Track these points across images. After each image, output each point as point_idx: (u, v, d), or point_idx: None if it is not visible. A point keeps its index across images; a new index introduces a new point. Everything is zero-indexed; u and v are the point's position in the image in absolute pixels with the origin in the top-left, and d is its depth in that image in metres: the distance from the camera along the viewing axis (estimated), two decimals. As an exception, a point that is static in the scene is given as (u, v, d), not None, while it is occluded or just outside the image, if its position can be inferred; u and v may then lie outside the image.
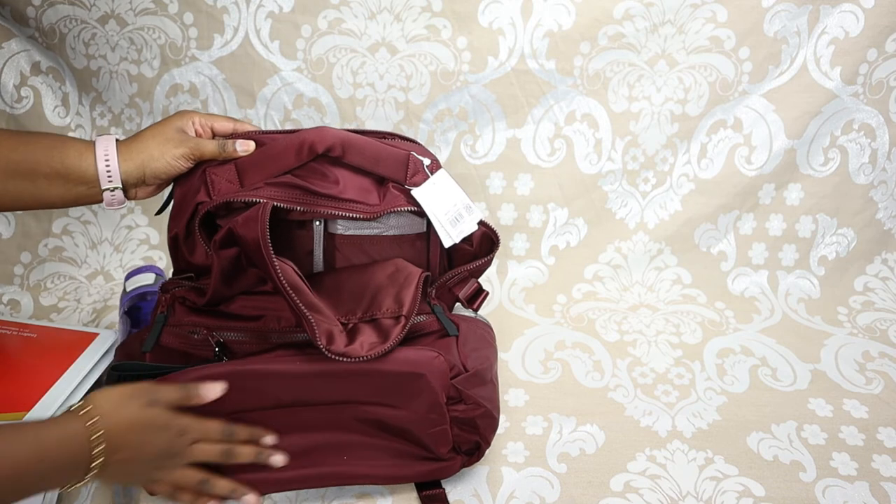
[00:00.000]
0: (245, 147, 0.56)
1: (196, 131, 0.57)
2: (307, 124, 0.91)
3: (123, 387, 0.48)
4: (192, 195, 0.56)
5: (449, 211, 0.58)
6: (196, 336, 0.56)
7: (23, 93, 0.84)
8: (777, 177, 0.95)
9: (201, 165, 0.57)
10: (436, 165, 0.59)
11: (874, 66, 0.89)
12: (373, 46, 0.87)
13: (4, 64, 0.83)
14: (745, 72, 0.89)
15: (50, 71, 0.86)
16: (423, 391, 0.54)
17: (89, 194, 0.54)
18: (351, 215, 0.56)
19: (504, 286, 0.95)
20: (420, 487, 0.60)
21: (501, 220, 0.97)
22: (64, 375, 0.64)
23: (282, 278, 0.50)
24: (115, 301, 0.89)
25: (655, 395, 0.75)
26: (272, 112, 0.91)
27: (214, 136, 0.58)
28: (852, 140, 0.93)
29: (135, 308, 0.72)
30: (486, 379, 0.58)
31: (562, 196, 0.96)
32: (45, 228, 0.91)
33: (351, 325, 0.55)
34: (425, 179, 0.58)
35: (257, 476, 0.55)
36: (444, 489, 0.60)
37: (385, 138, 0.60)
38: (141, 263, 0.94)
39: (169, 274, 0.64)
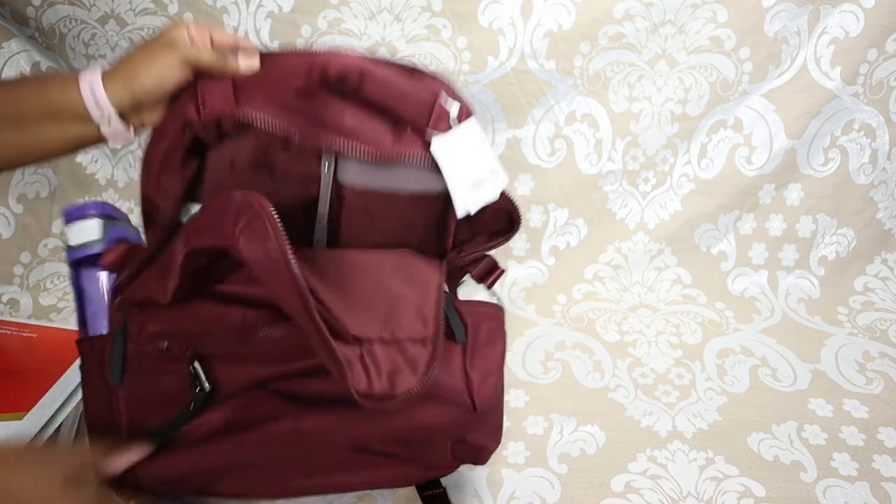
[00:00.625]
0: (249, 62, 0.47)
1: (192, 39, 0.48)
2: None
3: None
4: (177, 112, 0.46)
5: (470, 172, 0.48)
6: (163, 352, 0.46)
7: (23, 93, 0.84)
8: (777, 177, 0.95)
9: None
10: (465, 113, 0.49)
11: (874, 66, 0.89)
12: (373, 46, 0.87)
13: (4, 64, 0.82)
14: (746, 72, 0.89)
15: (50, 71, 0.86)
16: (431, 444, 0.51)
17: (88, 133, 0.47)
18: (359, 152, 0.46)
19: (504, 286, 0.95)
20: (420, 488, 0.60)
21: (501, 220, 0.97)
22: (64, 375, 0.64)
23: (320, 325, 0.39)
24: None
25: (656, 396, 0.75)
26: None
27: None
28: (852, 140, 0.93)
29: (83, 276, 0.55)
30: (494, 408, 0.53)
31: (562, 196, 0.96)
32: (45, 228, 0.91)
33: (368, 347, 0.45)
34: (449, 129, 0.48)
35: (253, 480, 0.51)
36: (444, 488, 0.60)
37: (413, 73, 0.50)
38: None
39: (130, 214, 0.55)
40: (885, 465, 0.66)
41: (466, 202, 0.49)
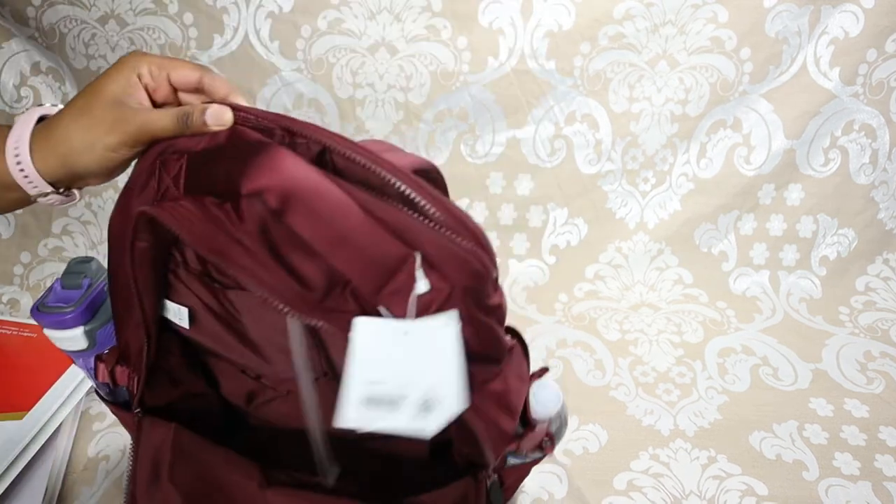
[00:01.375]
0: (219, 119, 0.37)
1: (147, 88, 0.39)
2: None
3: None
4: (136, 192, 0.38)
5: (378, 382, 0.32)
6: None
7: (23, 93, 0.84)
8: (777, 177, 0.95)
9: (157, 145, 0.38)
10: (433, 300, 0.32)
11: (874, 66, 0.89)
12: (373, 46, 0.87)
13: (4, 64, 0.82)
14: (746, 72, 0.89)
15: (50, 71, 0.86)
16: None
17: (27, 198, 0.39)
18: (267, 295, 0.32)
19: (505, 286, 0.95)
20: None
21: (501, 221, 0.97)
22: (64, 375, 0.64)
23: None
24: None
25: (657, 394, 0.74)
26: (272, 112, 0.91)
27: (176, 91, 0.41)
28: (853, 140, 0.93)
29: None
30: None
31: (561, 196, 0.96)
32: (45, 228, 0.91)
33: None
34: (402, 313, 0.32)
35: None
36: None
37: (414, 205, 0.33)
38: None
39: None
40: (887, 464, 0.65)
41: (356, 415, 0.33)
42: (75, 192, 0.41)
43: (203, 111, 0.37)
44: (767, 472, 0.64)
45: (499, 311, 0.35)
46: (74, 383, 0.64)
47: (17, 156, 0.37)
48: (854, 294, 0.96)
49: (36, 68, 0.85)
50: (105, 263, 0.43)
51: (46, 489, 0.56)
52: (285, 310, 0.32)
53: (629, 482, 0.62)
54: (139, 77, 0.39)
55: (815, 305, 0.93)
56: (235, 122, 0.37)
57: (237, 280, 0.39)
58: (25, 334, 0.71)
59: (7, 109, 0.84)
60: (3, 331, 0.71)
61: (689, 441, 0.67)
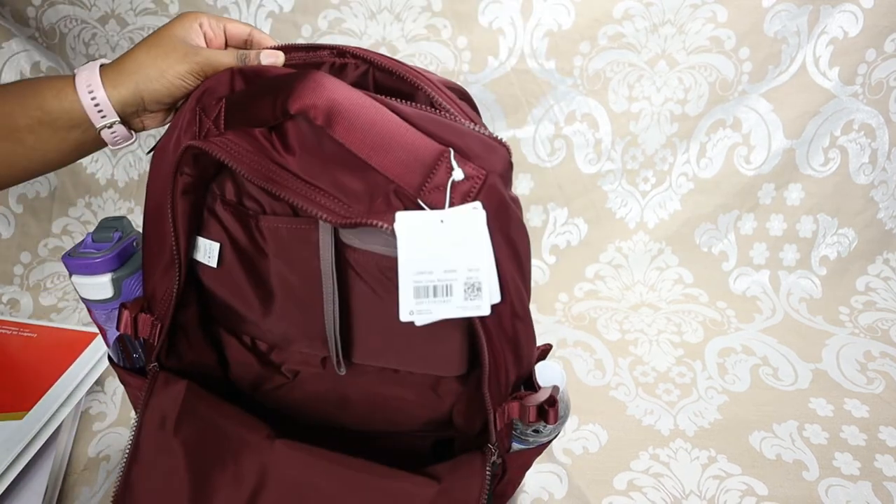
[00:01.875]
0: (273, 58, 0.42)
1: (206, 37, 0.44)
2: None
3: None
4: (177, 136, 0.40)
5: (425, 272, 0.34)
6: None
7: (23, 93, 0.84)
8: (776, 177, 0.95)
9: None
10: (472, 187, 0.35)
11: (873, 66, 0.89)
12: (373, 46, 0.87)
13: (4, 64, 0.82)
14: (745, 72, 0.90)
15: (50, 71, 0.86)
16: None
17: (87, 139, 0.43)
18: (315, 211, 0.35)
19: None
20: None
21: (502, 221, 0.97)
22: (64, 375, 0.64)
23: None
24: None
25: (657, 394, 0.74)
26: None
27: (228, 44, 0.46)
28: (852, 140, 0.93)
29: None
30: None
31: (561, 195, 0.96)
32: (45, 228, 0.91)
33: None
34: (442, 204, 0.34)
35: None
36: None
37: (440, 111, 0.38)
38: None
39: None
40: (887, 464, 0.65)
41: (405, 307, 0.35)
42: (134, 133, 0.44)
43: (258, 53, 0.42)
44: (767, 472, 0.64)
45: (518, 203, 0.39)
46: (74, 383, 0.64)
47: (89, 85, 0.41)
48: (854, 294, 0.96)
49: (36, 68, 0.85)
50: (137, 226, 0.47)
51: (46, 489, 0.56)
52: (335, 221, 0.35)
53: (629, 482, 0.62)
54: (200, 26, 0.44)
55: (816, 305, 0.93)
56: (286, 64, 0.42)
57: (271, 205, 0.42)
58: (25, 334, 0.71)
59: (7, 109, 0.84)
60: (3, 331, 0.71)
61: (689, 441, 0.67)
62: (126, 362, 0.50)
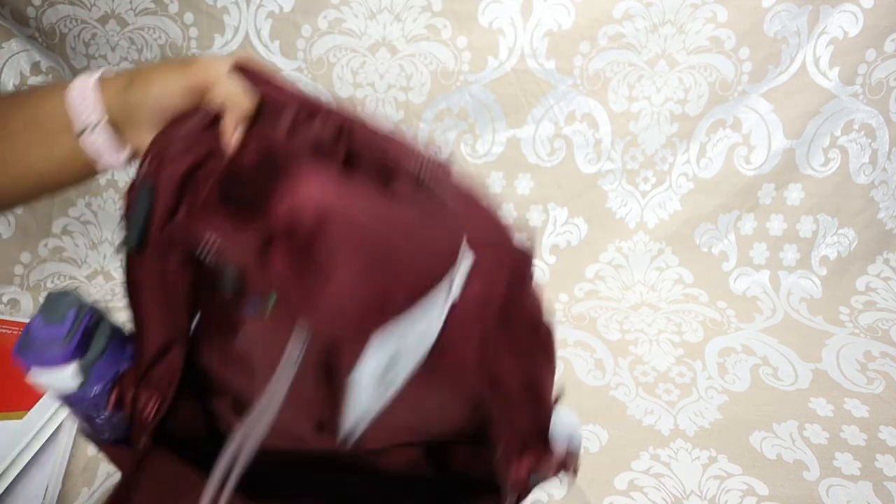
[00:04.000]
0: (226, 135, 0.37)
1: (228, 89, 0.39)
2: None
3: None
4: (188, 142, 0.36)
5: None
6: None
7: (23, 93, 0.84)
8: (776, 177, 0.95)
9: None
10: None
11: (873, 66, 0.89)
12: (373, 46, 0.87)
13: (4, 64, 0.82)
14: (745, 72, 0.90)
15: (50, 71, 0.86)
16: None
17: (76, 149, 0.38)
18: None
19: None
20: None
21: (502, 220, 0.97)
22: (63, 375, 0.64)
23: None
24: (117, 304, 0.89)
25: (657, 394, 0.74)
26: (272, 112, 0.91)
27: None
28: (852, 140, 0.93)
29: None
30: None
31: (561, 195, 0.96)
32: (45, 228, 0.91)
33: None
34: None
35: None
36: None
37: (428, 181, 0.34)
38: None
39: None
40: (887, 464, 0.65)
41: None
42: (121, 155, 0.39)
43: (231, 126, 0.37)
44: (768, 472, 0.64)
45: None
46: (74, 383, 0.64)
47: (82, 83, 0.37)
48: (854, 294, 0.96)
49: (36, 68, 0.85)
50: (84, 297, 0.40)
51: (46, 489, 0.56)
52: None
53: (630, 482, 0.62)
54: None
55: (816, 305, 0.93)
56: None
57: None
58: (25, 334, 0.71)
59: (7, 109, 0.84)
60: (4, 330, 0.71)
61: (689, 441, 0.67)
62: (100, 433, 0.43)
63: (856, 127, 0.92)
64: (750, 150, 0.94)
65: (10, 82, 0.83)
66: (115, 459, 0.44)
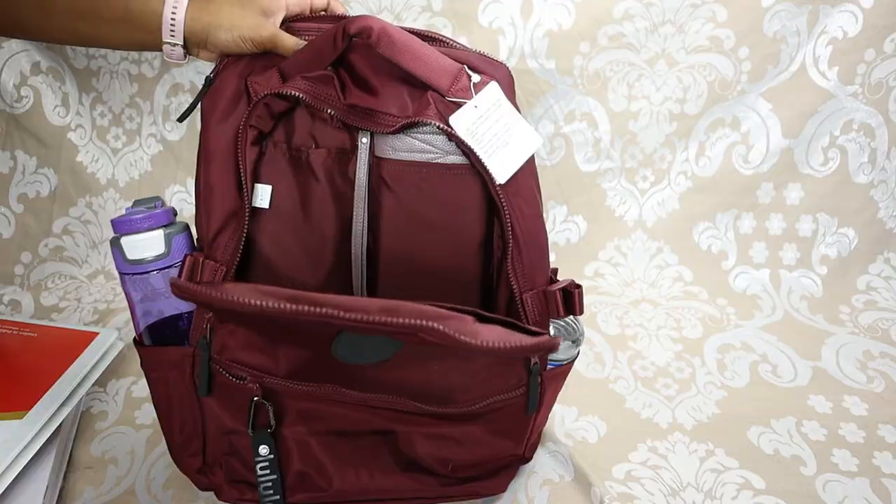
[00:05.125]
0: (342, 9, 0.53)
1: (289, 9, 0.51)
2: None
3: None
4: (229, 103, 0.48)
5: (494, 137, 0.47)
6: (245, 385, 0.49)
7: (23, 92, 0.84)
8: (775, 176, 0.95)
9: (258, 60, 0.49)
10: (485, 83, 0.48)
11: (872, 66, 0.89)
12: (373, 46, 0.87)
13: (4, 64, 0.83)
14: (744, 71, 0.90)
15: (50, 71, 0.86)
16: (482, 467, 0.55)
17: (149, 42, 0.50)
18: (381, 118, 0.47)
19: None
20: None
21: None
22: (64, 375, 0.64)
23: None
24: (117, 303, 0.89)
25: (656, 388, 0.75)
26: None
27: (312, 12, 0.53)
28: (852, 140, 0.93)
29: (147, 302, 0.52)
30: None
31: (561, 194, 0.96)
32: (46, 228, 0.91)
33: None
34: (470, 96, 0.47)
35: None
36: None
37: (442, 45, 0.50)
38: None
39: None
40: (885, 461, 0.65)
41: (495, 169, 0.47)
42: (187, 57, 0.51)
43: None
44: (765, 467, 0.64)
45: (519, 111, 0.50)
46: (75, 383, 0.64)
47: (174, 7, 0.48)
48: (855, 293, 0.96)
49: (36, 68, 0.85)
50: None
51: (46, 489, 0.56)
52: (396, 125, 0.47)
53: (627, 472, 0.62)
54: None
55: (816, 304, 0.93)
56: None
57: (316, 143, 0.51)
58: (26, 334, 0.71)
59: (7, 109, 0.84)
60: (4, 330, 0.71)
61: (687, 434, 0.68)
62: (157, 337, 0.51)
63: (855, 126, 0.92)
64: (748, 150, 0.94)
65: (10, 82, 0.83)
66: (154, 359, 0.51)
